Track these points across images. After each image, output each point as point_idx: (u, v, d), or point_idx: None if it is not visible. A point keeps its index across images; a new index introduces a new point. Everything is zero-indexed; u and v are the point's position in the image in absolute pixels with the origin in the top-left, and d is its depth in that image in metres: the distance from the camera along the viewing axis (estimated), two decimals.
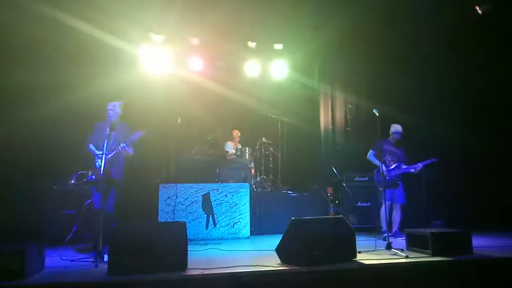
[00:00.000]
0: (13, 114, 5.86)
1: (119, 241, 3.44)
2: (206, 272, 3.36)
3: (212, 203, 5.98)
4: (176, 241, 3.55)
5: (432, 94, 7.27)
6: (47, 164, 5.99)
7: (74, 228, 5.20)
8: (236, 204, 6.06)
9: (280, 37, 7.67)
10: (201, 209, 5.93)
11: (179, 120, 7.46)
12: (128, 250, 3.37)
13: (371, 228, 6.44)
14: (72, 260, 4.09)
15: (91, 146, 4.72)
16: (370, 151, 5.96)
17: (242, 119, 8.47)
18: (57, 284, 3.17)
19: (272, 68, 7.98)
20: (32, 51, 6.13)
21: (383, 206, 5.48)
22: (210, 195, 6.00)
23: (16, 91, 5.96)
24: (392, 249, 4.28)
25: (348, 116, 8.08)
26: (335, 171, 6.79)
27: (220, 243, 5.40)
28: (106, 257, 3.72)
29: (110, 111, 4.64)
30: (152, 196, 5.92)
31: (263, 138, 7.84)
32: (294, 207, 6.60)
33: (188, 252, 3.59)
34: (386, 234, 4.88)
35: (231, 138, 8.16)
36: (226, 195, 6.06)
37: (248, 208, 6.09)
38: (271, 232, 6.24)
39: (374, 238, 5.23)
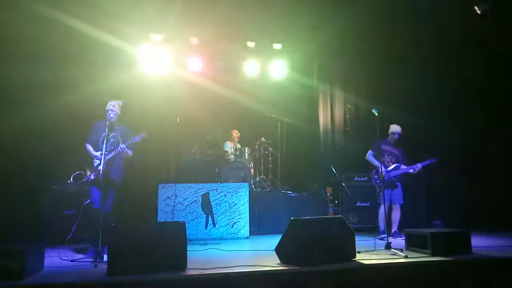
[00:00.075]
0: (13, 114, 5.86)
1: (119, 241, 3.44)
2: (205, 272, 3.36)
3: (212, 203, 5.98)
4: (175, 241, 3.54)
5: (432, 94, 7.26)
6: (47, 164, 5.98)
7: (74, 228, 5.20)
8: (236, 204, 6.06)
9: (279, 37, 7.64)
10: (201, 209, 5.93)
11: (178, 120, 7.45)
12: (128, 250, 3.38)
13: (370, 228, 6.43)
14: (71, 260, 4.09)
15: (88, 146, 4.68)
16: (369, 151, 5.98)
17: (241, 119, 8.45)
18: (57, 284, 3.17)
19: (272, 68, 7.95)
20: (32, 51, 6.12)
21: (382, 206, 5.49)
22: (210, 195, 5.99)
23: (16, 91, 5.96)
24: (392, 249, 4.28)
25: (347, 116, 8.06)
26: (334, 171, 6.78)
27: (220, 243, 5.40)
28: (105, 257, 3.72)
29: (109, 111, 4.61)
30: (151, 196, 5.92)
31: (262, 138, 7.83)
32: (293, 207, 6.59)
33: (188, 252, 3.59)
34: (385, 235, 4.88)
35: (231, 138, 8.14)
36: (225, 195, 6.06)
37: (248, 208, 6.09)
38: (271, 232, 6.24)
39: (374, 238, 5.24)
